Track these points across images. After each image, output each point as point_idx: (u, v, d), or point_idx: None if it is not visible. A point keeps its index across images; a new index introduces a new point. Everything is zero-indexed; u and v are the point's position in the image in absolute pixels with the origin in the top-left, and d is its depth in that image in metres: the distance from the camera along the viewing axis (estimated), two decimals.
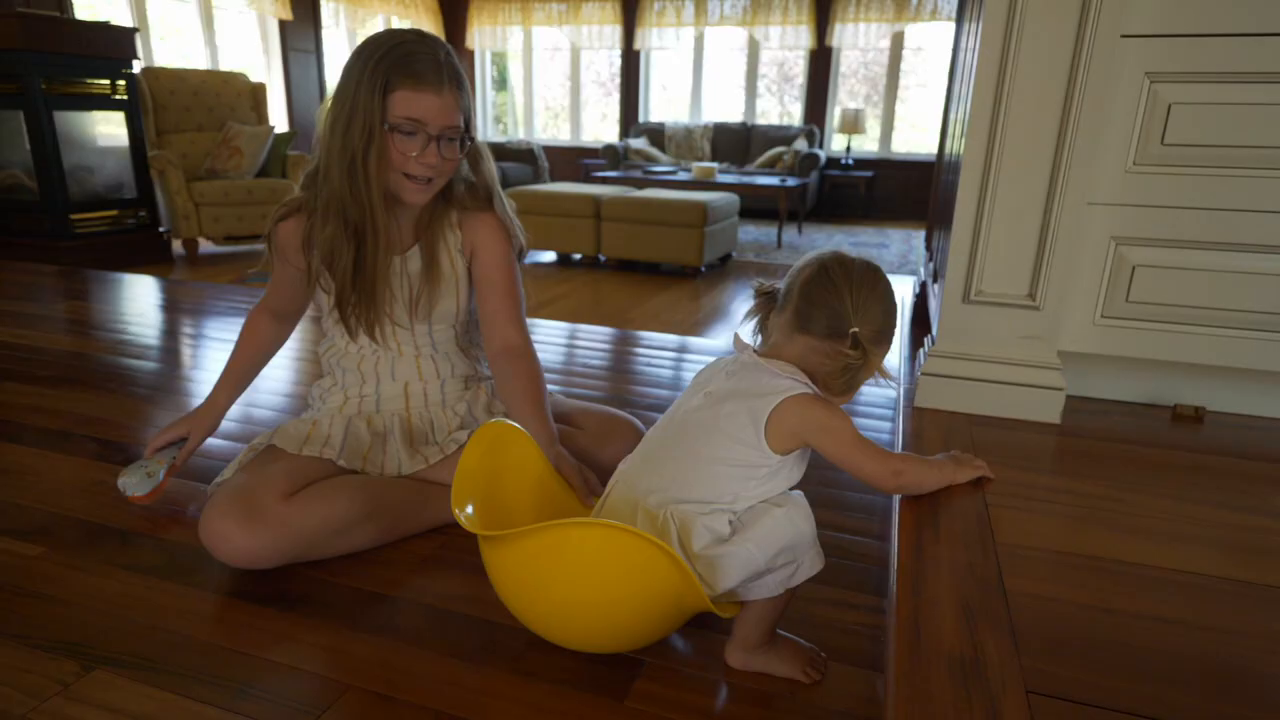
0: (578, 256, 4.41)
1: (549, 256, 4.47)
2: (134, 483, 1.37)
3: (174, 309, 2.96)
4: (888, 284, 0.90)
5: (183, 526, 1.30)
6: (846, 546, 1.27)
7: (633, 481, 0.94)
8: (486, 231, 1.28)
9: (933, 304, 1.54)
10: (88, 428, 1.69)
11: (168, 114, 4.41)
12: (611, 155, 6.75)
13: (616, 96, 7.73)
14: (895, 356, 2.33)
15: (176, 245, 4.34)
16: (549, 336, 2.65)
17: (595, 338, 2.67)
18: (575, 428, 1.33)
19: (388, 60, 1.09)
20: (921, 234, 5.94)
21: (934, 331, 1.38)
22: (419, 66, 1.10)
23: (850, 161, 7.00)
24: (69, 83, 3.77)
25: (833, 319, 0.86)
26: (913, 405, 1.33)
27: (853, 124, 6.77)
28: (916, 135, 7.13)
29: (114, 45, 3.92)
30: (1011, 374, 1.29)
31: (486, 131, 8.21)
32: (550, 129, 8.24)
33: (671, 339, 2.69)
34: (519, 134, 8.22)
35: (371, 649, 0.99)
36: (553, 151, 7.61)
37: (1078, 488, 1.04)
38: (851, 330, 0.85)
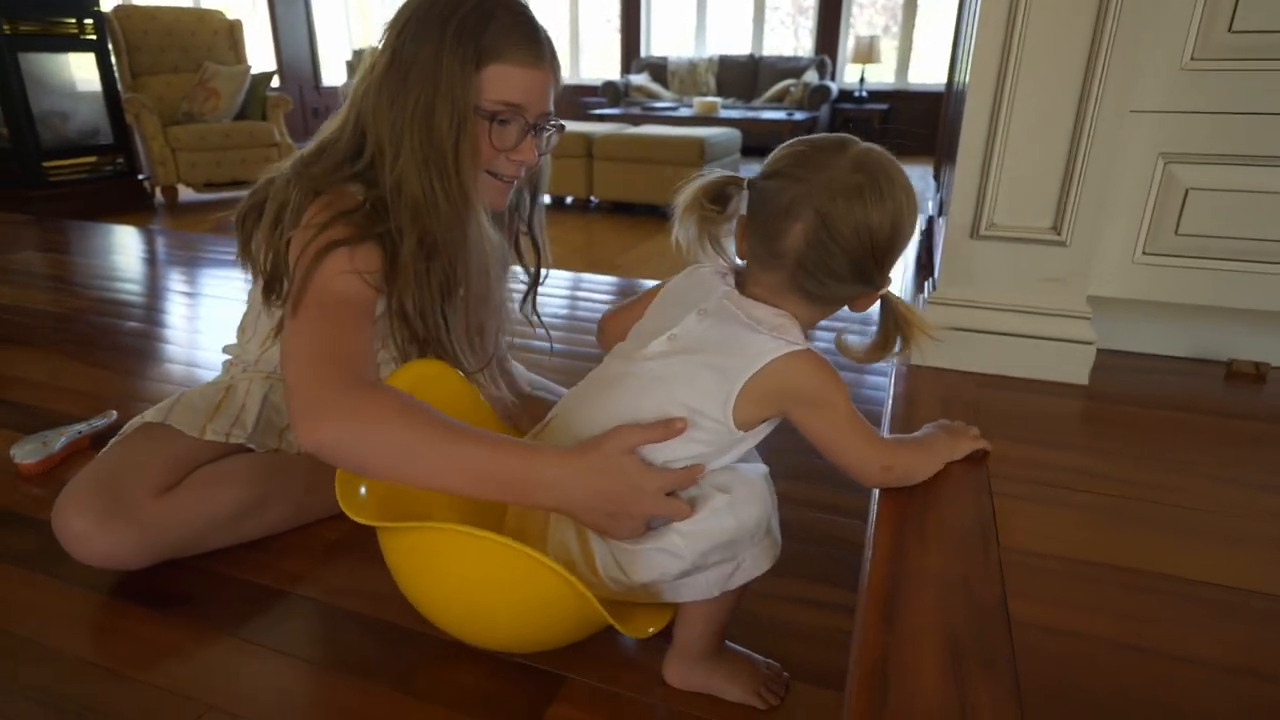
0: (569, 200, 4.18)
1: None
2: (25, 451, 1.22)
3: (150, 260, 2.79)
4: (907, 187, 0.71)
5: None
6: (834, 531, 1.09)
7: (570, 417, 0.77)
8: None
9: (937, 242, 1.32)
10: (11, 390, 1.53)
11: (142, 55, 4.17)
12: (611, 92, 6.42)
13: (617, 32, 7.34)
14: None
15: (157, 193, 4.15)
16: (548, 287, 2.45)
17: (599, 288, 2.47)
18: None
19: (476, 22, 0.83)
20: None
21: (935, 274, 1.16)
22: (518, 34, 0.85)
23: (864, 94, 6.61)
24: (33, 21, 3.56)
25: (857, 279, 0.70)
26: (908, 362, 1.13)
27: (867, 53, 6.37)
28: (935, 66, 6.72)
29: None
30: (1029, 324, 1.08)
31: None
32: None
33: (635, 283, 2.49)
34: None
35: (259, 664, 0.83)
36: None
37: (1108, 470, 0.84)
38: (881, 292, 0.72)
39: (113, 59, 3.93)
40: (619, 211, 3.97)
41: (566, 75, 5.15)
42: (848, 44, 6.67)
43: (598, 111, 5.41)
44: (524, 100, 0.87)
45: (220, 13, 4.51)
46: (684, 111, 5.50)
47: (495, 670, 0.82)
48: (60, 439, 1.26)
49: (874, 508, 0.75)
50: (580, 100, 6.92)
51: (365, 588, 0.94)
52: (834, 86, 6.25)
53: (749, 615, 0.90)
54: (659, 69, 6.84)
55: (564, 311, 2.19)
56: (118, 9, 4.11)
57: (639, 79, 6.65)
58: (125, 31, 4.10)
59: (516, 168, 0.92)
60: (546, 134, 0.93)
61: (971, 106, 1.02)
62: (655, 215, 3.87)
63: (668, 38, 7.31)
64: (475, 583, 0.72)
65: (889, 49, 6.67)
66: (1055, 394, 1.04)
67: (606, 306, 2.23)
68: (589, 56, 7.62)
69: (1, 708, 0.77)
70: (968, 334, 1.09)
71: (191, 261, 2.71)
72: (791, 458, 1.28)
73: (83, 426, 1.31)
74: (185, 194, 4.23)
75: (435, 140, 0.83)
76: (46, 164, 3.66)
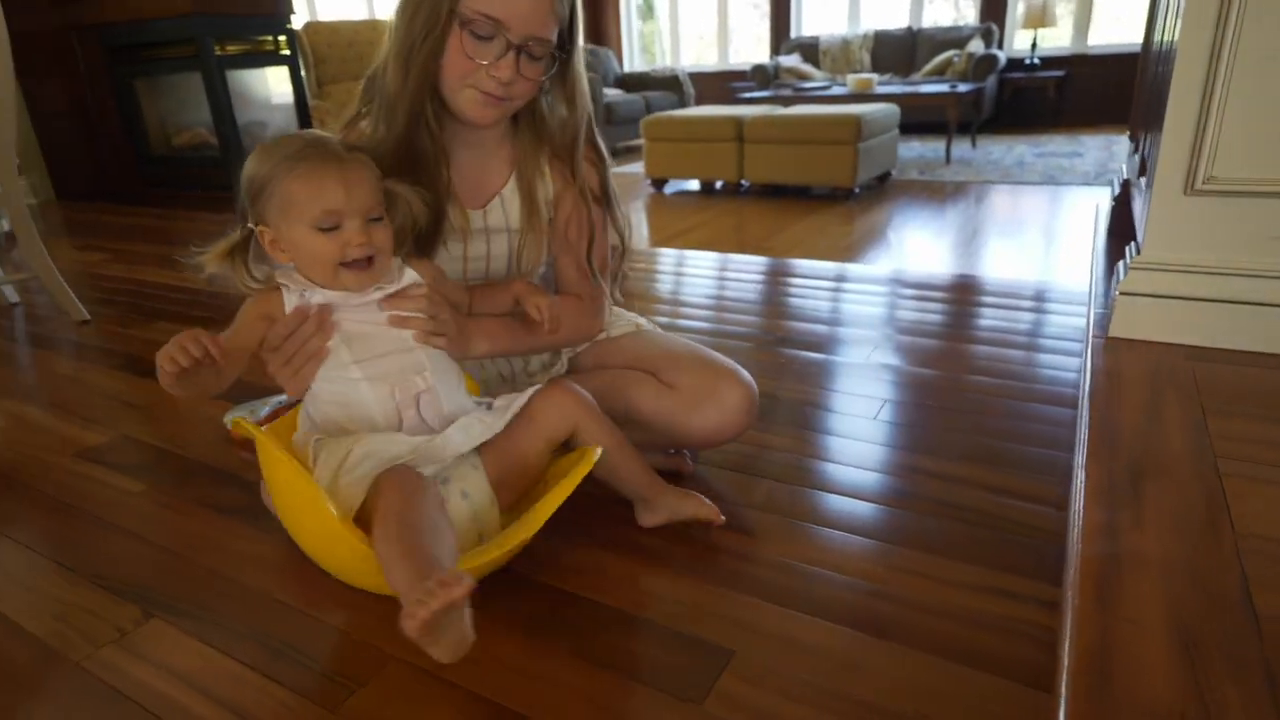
0: (719, 184, 4.14)
1: (690, 186, 4.23)
2: (235, 419, 1.35)
3: None
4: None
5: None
6: (1014, 515, 1.01)
7: None
8: (578, 181, 1.04)
9: (1137, 204, 1.18)
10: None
11: (326, 66, 4.56)
12: (761, 75, 6.30)
13: (767, 16, 7.18)
14: (1081, 273, 1.93)
15: None
16: (694, 268, 2.45)
17: (746, 267, 2.44)
18: (665, 385, 1.06)
19: None
20: (1124, 138, 5.09)
21: (1139, 238, 1.04)
22: None
23: (1036, 61, 6.10)
24: (239, 41, 3.96)
25: None
26: (1106, 334, 1.02)
27: (1040, 17, 5.87)
28: (1120, 26, 6.08)
29: (275, 2, 4.06)
30: (1254, 289, 0.94)
31: (634, 61, 7.95)
32: (698, 55, 7.85)
33: (829, 266, 2.41)
34: (665, 62, 7.91)
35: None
36: (700, 78, 7.23)
37: None
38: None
39: (302, 71, 4.31)
40: (769, 194, 3.89)
41: (714, 61, 5.11)
42: (1017, 9, 6.18)
43: (746, 95, 5.32)
44: (504, 16, 0.87)
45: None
46: (837, 90, 5.31)
47: (665, 640, 0.82)
48: (264, 408, 1.39)
49: (1077, 475, 0.68)
50: (728, 86, 6.85)
51: (534, 552, 0.97)
52: (1001, 55, 5.81)
53: (936, 602, 0.85)
54: (810, 49, 6.63)
55: (713, 291, 2.17)
56: (307, 26, 4.51)
57: (789, 60, 6.48)
58: (313, 46, 4.49)
59: (495, 85, 0.90)
60: (537, 60, 0.91)
61: (1187, 34, 0.90)
62: (804, 197, 3.76)
63: (819, 16, 7.08)
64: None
65: (1064, 12, 6.11)
66: None
67: (755, 286, 2.20)
68: (737, 41, 7.52)
69: (223, 637, 0.86)
70: (1179, 302, 0.97)
71: None
72: (964, 439, 1.21)
73: (284, 397, 1.44)
74: None
75: (410, 36, 0.89)
76: None
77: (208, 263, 0.88)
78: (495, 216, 1.04)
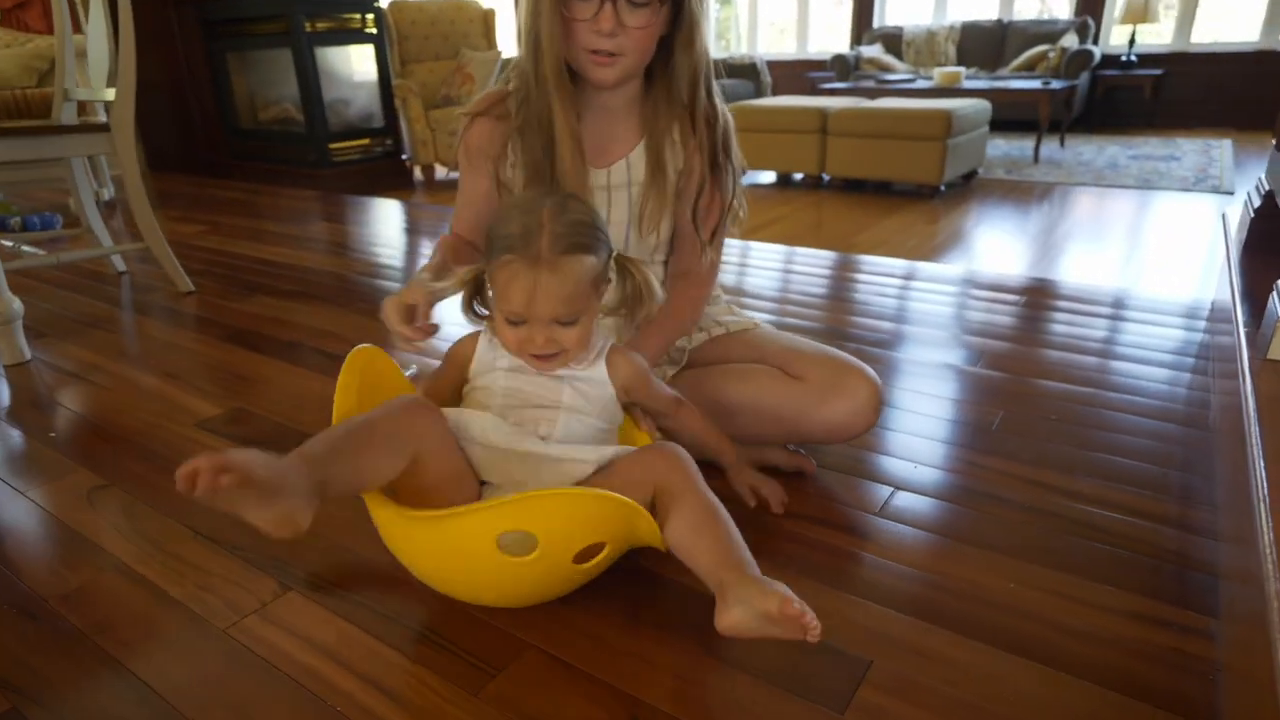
0: (799, 176, 4.08)
1: (767, 177, 4.17)
2: None
3: (404, 230, 3.11)
4: (540, 202, 0.83)
5: None
6: (1140, 535, 0.98)
7: None
8: (703, 145, 1.05)
9: None
10: (317, 340, 1.77)
11: (409, 44, 4.62)
12: (840, 66, 6.17)
13: (847, 5, 7.03)
14: (1217, 287, 1.85)
15: (416, 172, 4.59)
16: (763, 260, 2.42)
17: (813, 262, 2.41)
18: (793, 376, 1.09)
19: None
20: (1227, 143, 4.84)
21: None
22: None
23: (1133, 58, 5.84)
24: (327, 19, 4.03)
25: None
26: (1264, 357, 0.97)
27: (1141, 12, 5.61)
28: (1228, 21, 5.78)
29: None
30: None
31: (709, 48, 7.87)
32: (777, 43, 7.73)
33: (898, 264, 2.36)
34: (741, 49, 7.81)
35: (560, 609, 0.88)
36: (777, 66, 7.12)
37: None
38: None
39: (386, 49, 4.37)
40: (851, 188, 3.82)
41: (793, 50, 5.03)
42: (1116, 3, 5.92)
43: (828, 86, 5.22)
44: None
45: (476, 2, 4.86)
46: (921, 83, 5.16)
47: (798, 646, 0.80)
48: None
49: (1260, 511, 0.65)
50: (805, 75, 6.73)
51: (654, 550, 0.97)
52: (1097, 51, 5.58)
53: (1080, 625, 0.83)
54: (893, 40, 6.47)
55: (777, 284, 2.14)
56: (392, 4, 4.56)
57: (871, 51, 6.33)
58: (397, 24, 4.54)
59: (601, 39, 0.92)
60: (639, 7, 0.92)
61: None
62: (886, 193, 3.68)
63: (904, 5, 6.90)
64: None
65: (1167, 6, 5.84)
66: None
67: (822, 280, 2.16)
68: (817, 30, 7.38)
69: (359, 614, 0.89)
70: None
71: (437, 232, 2.97)
72: (1083, 454, 1.17)
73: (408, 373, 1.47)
74: (440, 172, 4.65)
75: (532, 20, 0.94)
76: (332, 146, 4.16)
77: (454, 285, 0.88)
78: (619, 175, 1.06)
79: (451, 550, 0.80)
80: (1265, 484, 0.70)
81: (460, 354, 0.95)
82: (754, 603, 0.70)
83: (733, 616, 0.71)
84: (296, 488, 0.69)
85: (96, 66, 1.97)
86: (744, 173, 1.11)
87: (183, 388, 1.53)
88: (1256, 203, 1.44)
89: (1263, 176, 1.53)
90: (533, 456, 0.86)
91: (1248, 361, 0.98)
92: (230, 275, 2.35)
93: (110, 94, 1.84)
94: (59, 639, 0.86)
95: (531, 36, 0.95)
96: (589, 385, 0.90)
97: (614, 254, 0.88)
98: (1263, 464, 0.73)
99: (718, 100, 1.05)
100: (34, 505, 1.13)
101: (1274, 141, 1.43)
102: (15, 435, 1.35)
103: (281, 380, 1.55)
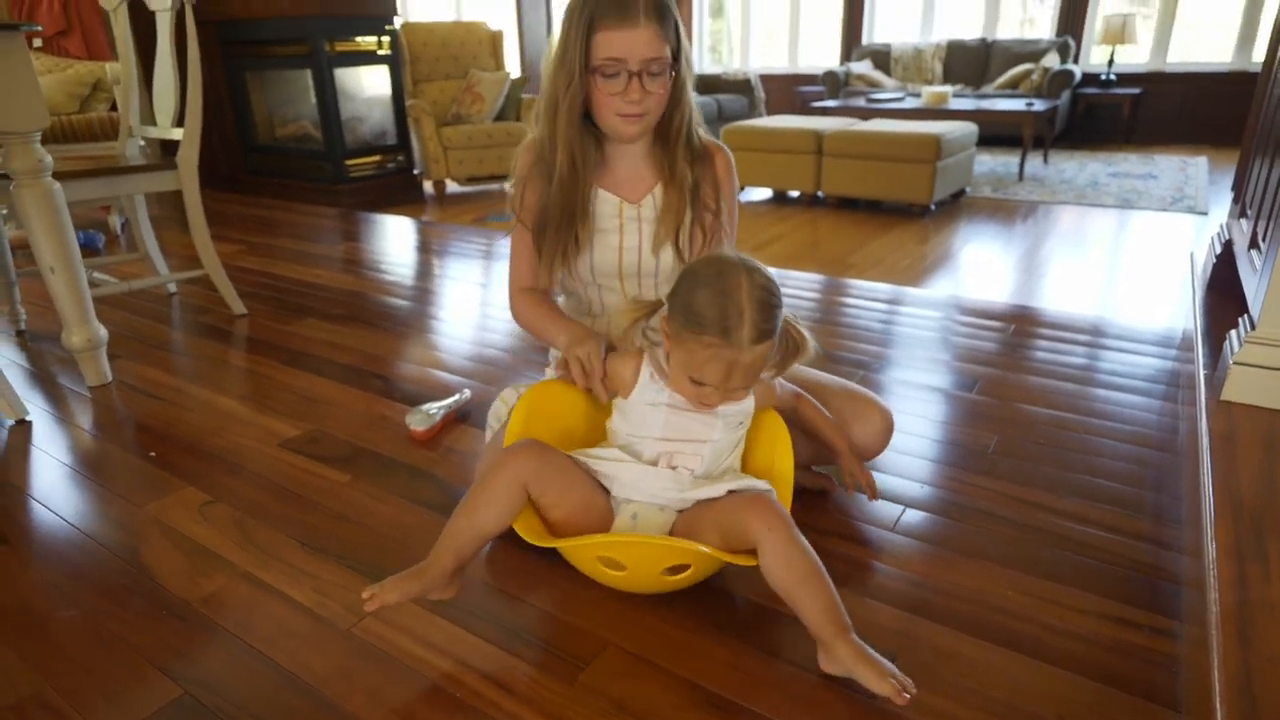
0: (794, 194, 4.27)
1: (763, 194, 4.36)
2: (416, 420, 1.55)
3: (427, 250, 3.26)
4: (734, 281, 0.93)
5: (449, 466, 1.45)
6: (1119, 550, 1.16)
7: None
8: (714, 168, 1.24)
9: (1248, 277, 1.30)
10: (372, 365, 1.93)
11: (421, 65, 4.77)
12: (831, 82, 6.38)
13: (837, 19, 7.23)
14: (1182, 321, 2.04)
15: (427, 186, 4.74)
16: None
17: (802, 285, 2.59)
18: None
19: (593, 2, 1.07)
20: (1202, 160, 5.07)
21: (1253, 312, 1.17)
22: (615, 4, 1.06)
23: (1112, 77, 6.09)
24: (345, 41, 4.17)
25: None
26: (1218, 397, 1.15)
27: (1119, 33, 5.85)
28: (1202, 43, 6.02)
29: (379, 4, 4.26)
30: None
31: (702, 62, 8.05)
32: (768, 56, 7.92)
33: (884, 288, 2.55)
34: (735, 63, 7.99)
35: (633, 612, 1.05)
36: (770, 80, 7.32)
37: None
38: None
39: (400, 70, 4.51)
40: (845, 207, 4.01)
41: (785, 65, 5.23)
42: (1095, 23, 6.16)
43: (819, 104, 5.41)
44: (623, 54, 1.07)
45: (484, 24, 5.01)
46: (910, 102, 5.36)
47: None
48: (439, 412, 1.58)
49: (1207, 525, 0.83)
50: (797, 90, 6.93)
51: (736, 572, 1.11)
52: (1078, 70, 5.81)
53: (1065, 625, 1.01)
54: (882, 56, 6.68)
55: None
56: (405, 26, 4.71)
57: (860, 67, 6.54)
58: (410, 45, 4.69)
59: (629, 105, 1.11)
60: (657, 76, 1.10)
61: None
62: (878, 210, 3.87)
63: (892, 23, 7.11)
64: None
65: (1145, 28, 6.07)
66: None
67: (821, 305, 2.33)
68: (807, 45, 7.58)
69: (460, 616, 1.05)
70: None
71: (459, 252, 3.13)
72: (1065, 475, 1.35)
73: (450, 402, 1.63)
74: (450, 187, 4.80)
75: (555, 90, 1.12)
76: (348, 162, 4.30)
77: (625, 320, 1.08)
78: (648, 209, 1.24)
79: (575, 560, 1.06)
80: (1213, 510, 0.88)
81: (620, 376, 1.09)
82: (856, 672, 0.87)
83: (836, 668, 0.90)
84: (438, 585, 0.99)
85: (162, 101, 2.12)
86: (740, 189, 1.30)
87: (260, 410, 1.68)
88: (1218, 249, 1.63)
89: (1224, 224, 1.72)
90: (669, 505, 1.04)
91: (1204, 401, 1.16)
92: (278, 299, 2.50)
93: (178, 134, 1.99)
94: (208, 636, 1.02)
95: (554, 106, 1.13)
96: (736, 409, 1.07)
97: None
98: (1212, 493, 0.91)
99: (695, 142, 1.23)
100: (153, 519, 1.29)
101: (1232, 196, 1.61)
102: (117, 453, 1.51)
103: (348, 403, 1.71)
